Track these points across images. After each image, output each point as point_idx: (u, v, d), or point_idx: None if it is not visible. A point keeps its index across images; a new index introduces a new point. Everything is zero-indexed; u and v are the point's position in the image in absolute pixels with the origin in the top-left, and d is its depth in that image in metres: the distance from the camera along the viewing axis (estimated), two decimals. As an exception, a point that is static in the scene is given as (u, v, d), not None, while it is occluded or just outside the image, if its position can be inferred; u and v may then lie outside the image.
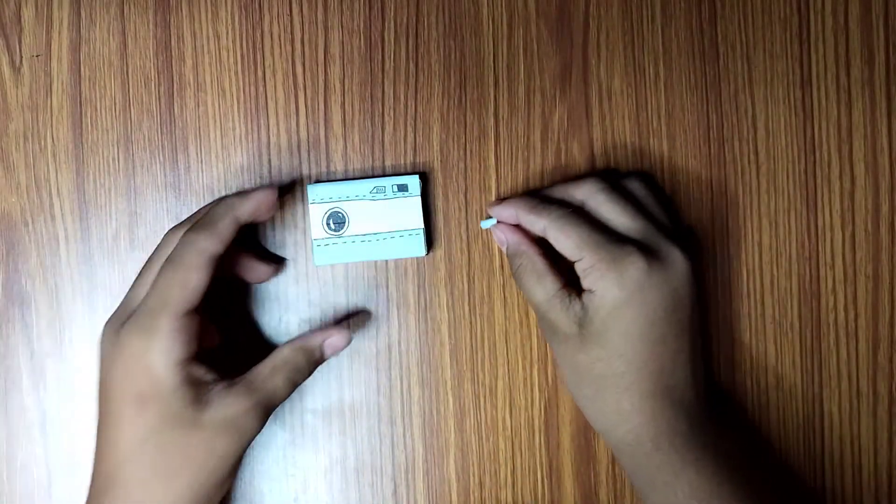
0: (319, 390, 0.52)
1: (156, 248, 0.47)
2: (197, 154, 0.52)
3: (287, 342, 0.47)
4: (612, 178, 0.49)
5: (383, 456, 0.52)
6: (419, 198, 0.50)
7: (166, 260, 0.44)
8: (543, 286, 0.47)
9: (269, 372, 0.45)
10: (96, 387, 0.45)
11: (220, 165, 0.52)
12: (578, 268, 0.46)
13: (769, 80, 0.52)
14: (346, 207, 0.49)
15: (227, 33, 0.52)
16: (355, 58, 0.52)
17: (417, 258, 0.52)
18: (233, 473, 0.44)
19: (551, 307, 0.47)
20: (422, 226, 0.50)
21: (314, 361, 0.47)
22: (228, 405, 0.43)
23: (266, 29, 0.52)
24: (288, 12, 0.52)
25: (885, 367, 0.52)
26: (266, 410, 0.44)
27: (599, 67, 0.52)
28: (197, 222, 0.45)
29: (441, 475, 0.52)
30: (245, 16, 0.52)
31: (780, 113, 0.52)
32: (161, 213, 0.52)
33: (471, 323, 0.52)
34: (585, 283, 0.46)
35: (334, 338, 0.47)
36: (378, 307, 0.52)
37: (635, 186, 0.49)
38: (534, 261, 0.48)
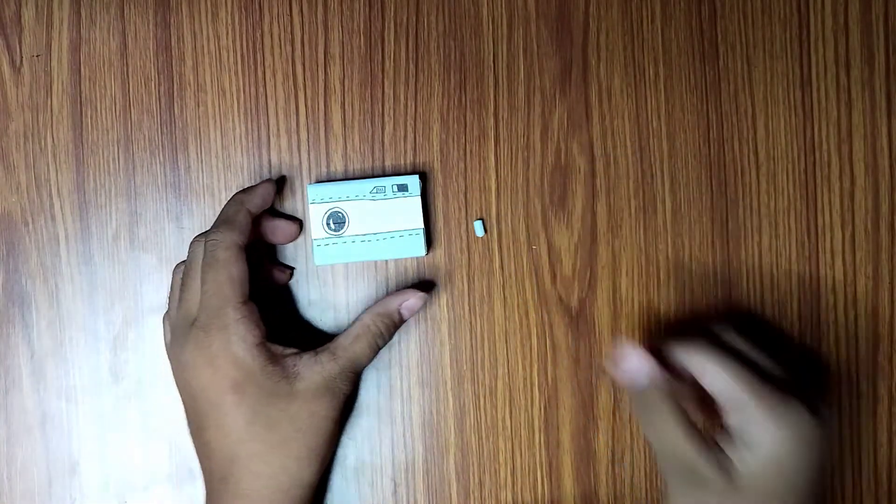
0: (319, 390, 0.52)
1: (188, 260, 0.48)
2: (197, 154, 0.52)
3: (367, 310, 0.49)
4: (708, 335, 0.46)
5: (383, 456, 0.52)
6: (419, 198, 0.50)
7: (203, 264, 0.46)
8: (688, 430, 0.43)
9: (351, 340, 0.48)
10: (185, 394, 0.47)
11: (220, 165, 0.52)
12: (729, 407, 0.43)
13: (769, 80, 0.52)
14: (346, 207, 0.49)
15: (227, 33, 0.52)
16: (355, 58, 0.52)
17: (417, 258, 0.52)
18: (337, 431, 0.48)
19: (697, 455, 0.43)
20: (422, 226, 0.50)
21: (394, 325, 0.49)
22: (317, 372, 0.46)
23: (266, 29, 0.52)
24: (288, 12, 0.52)
25: (885, 367, 0.52)
26: (354, 374, 0.48)
27: (599, 67, 0.52)
28: (214, 224, 0.48)
29: (441, 475, 0.52)
30: (245, 16, 0.52)
31: (780, 113, 0.52)
32: (161, 213, 0.52)
33: (471, 323, 0.52)
34: (736, 424, 0.43)
35: (410, 300, 0.50)
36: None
37: (740, 341, 0.46)
38: (676, 397, 0.44)
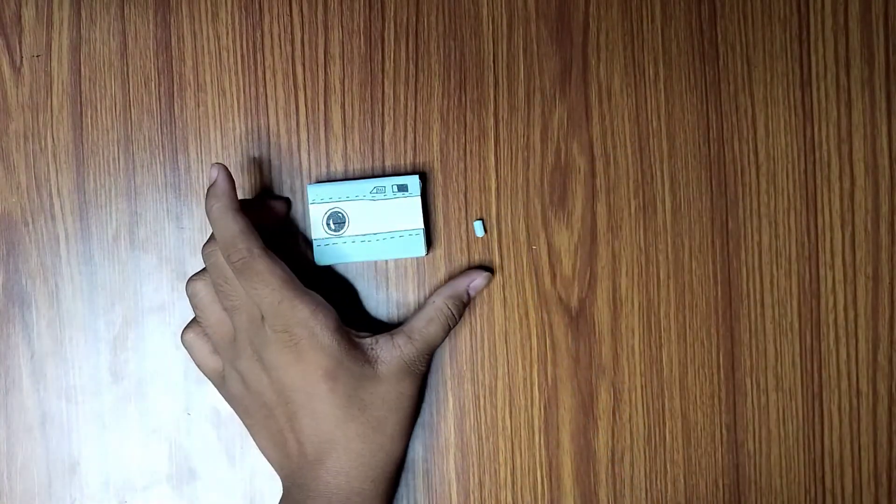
0: (319, 390, 0.52)
1: (211, 273, 0.47)
2: (197, 154, 0.52)
3: (436, 293, 0.50)
4: None
5: (383, 456, 0.52)
6: (419, 198, 0.50)
7: (238, 276, 0.45)
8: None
9: (425, 322, 0.49)
10: (269, 394, 0.47)
11: (220, 165, 0.52)
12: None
13: (769, 80, 0.52)
14: (346, 207, 0.49)
15: (227, 33, 0.52)
16: (355, 58, 0.52)
17: (417, 258, 0.52)
18: (419, 407, 0.51)
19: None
20: (422, 226, 0.50)
21: (463, 305, 0.51)
22: (397, 356, 0.48)
23: (266, 29, 0.52)
24: (288, 12, 0.52)
25: (885, 367, 0.52)
26: (430, 354, 0.50)
27: (599, 67, 0.52)
28: (234, 235, 0.46)
29: (441, 475, 0.52)
30: (245, 16, 0.52)
31: (780, 113, 0.52)
32: (161, 213, 0.52)
33: (471, 323, 0.52)
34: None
35: (477, 280, 0.51)
36: (378, 307, 0.52)
37: None
38: None
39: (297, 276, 0.47)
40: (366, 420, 0.47)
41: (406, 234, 0.50)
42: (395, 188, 0.49)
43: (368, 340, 0.48)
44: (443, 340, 0.50)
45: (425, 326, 0.49)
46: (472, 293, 0.51)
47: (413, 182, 0.50)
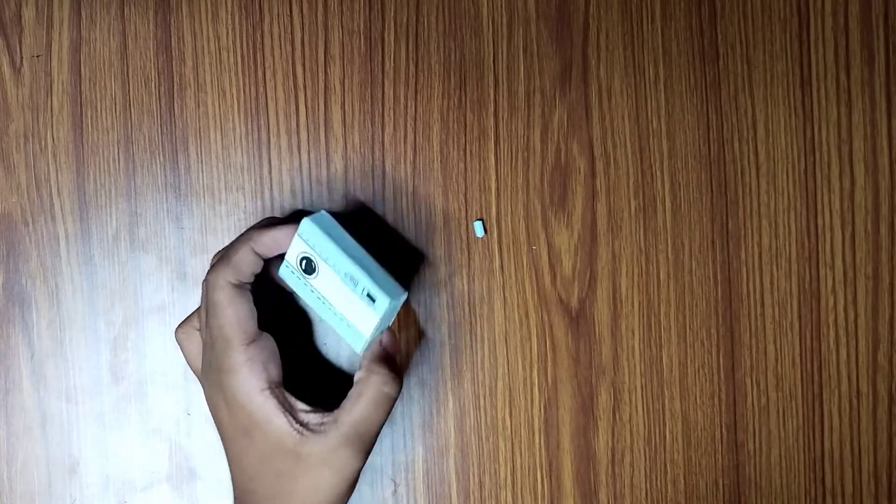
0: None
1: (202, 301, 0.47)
2: (197, 154, 0.52)
3: (358, 369, 0.46)
4: None
5: (383, 456, 0.52)
6: (378, 318, 0.45)
7: (206, 306, 0.45)
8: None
9: (353, 401, 0.45)
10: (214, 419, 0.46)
11: (220, 165, 0.52)
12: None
13: (769, 80, 0.52)
14: (321, 264, 0.45)
15: (228, 34, 0.52)
16: (355, 58, 0.52)
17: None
18: (346, 496, 0.45)
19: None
20: (367, 336, 0.46)
21: (387, 361, 0.46)
22: (319, 442, 0.43)
23: (266, 29, 0.52)
24: (288, 13, 0.52)
25: (885, 367, 0.52)
26: (361, 444, 0.44)
27: (599, 67, 0.52)
28: (219, 256, 0.46)
29: (441, 475, 0.52)
30: (245, 16, 0.52)
31: (780, 113, 0.52)
32: (161, 214, 0.52)
33: (471, 323, 0.52)
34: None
35: (384, 336, 0.48)
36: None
37: None
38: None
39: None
40: (274, 487, 0.44)
41: (354, 327, 0.46)
42: (366, 293, 0.45)
43: (301, 414, 0.44)
44: (381, 421, 0.45)
45: (353, 405, 0.44)
46: (391, 350, 0.47)
47: (381, 299, 0.44)
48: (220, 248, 0.49)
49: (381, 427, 0.45)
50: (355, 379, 0.46)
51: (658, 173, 0.52)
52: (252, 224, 0.48)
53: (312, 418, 0.44)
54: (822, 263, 0.52)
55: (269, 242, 0.45)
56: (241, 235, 0.46)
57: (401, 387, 0.46)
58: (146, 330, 0.52)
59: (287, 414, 0.44)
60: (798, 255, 0.52)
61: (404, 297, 0.46)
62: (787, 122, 0.52)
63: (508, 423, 0.52)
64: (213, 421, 0.47)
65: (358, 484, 0.52)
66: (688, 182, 0.52)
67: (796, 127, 0.52)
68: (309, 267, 0.45)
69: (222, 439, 0.46)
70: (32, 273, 0.52)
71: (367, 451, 0.45)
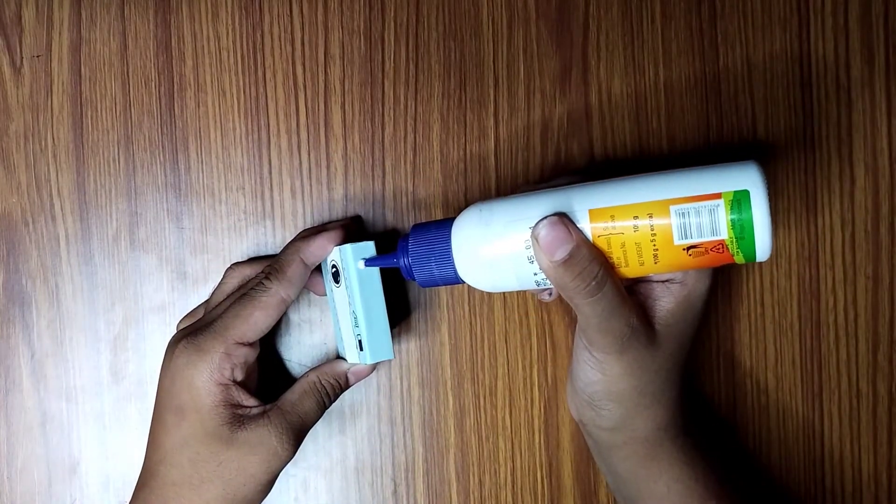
0: (319, 390, 0.52)
1: (218, 284, 0.49)
2: (197, 154, 0.52)
3: (314, 368, 0.48)
4: None
5: (383, 456, 0.52)
6: (360, 362, 0.48)
7: (243, 295, 0.46)
8: (626, 303, 0.43)
9: (297, 397, 0.47)
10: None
11: (220, 165, 0.52)
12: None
13: (769, 80, 0.52)
14: (343, 283, 0.47)
15: (228, 34, 0.52)
16: (355, 58, 0.52)
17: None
18: (262, 493, 0.46)
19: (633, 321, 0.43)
20: (350, 362, 0.49)
21: (339, 387, 0.48)
22: (261, 425, 0.45)
23: (266, 29, 0.52)
24: (288, 13, 0.52)
25: (884, 367, 0.52)
26: (296, 434, 0.46)
27: (599, 67, 0.52)
28: (271, 267, 0.47)
29: (441, 475, 0.52)
30: (245, 16, 0.52)
31: (780, 113, 0.52)
32: (161, 213, 0.52)
33: (471, 323, 0.52)
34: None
35: (359, 367, 0.48)
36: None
37: None
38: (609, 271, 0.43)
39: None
40: (187, 474, 0.44)
41: (343, 347, 0.49)
42: (359, 338, 0.47)
43: (248, 408, 0.45)
44: (315, 419, 0.47)
45: (299, 399, 0.46)
46: (351, 380, 0.48)
47: (365, 355, 0.47)
48: (238, 261, 0.51)
49: (311, 427, 0.47)
50: (307, 374, 0.48)
51: (658, 173, 0.52)
52: (294, 236, 0.50)
53: (255, 409, 0.45)
54: (822, 263, 0.52)
55: (317, 252, 0.47)
56: (289, 248, 0.47)
57: (328, 408, 0.48)
58: (146, 330, 0.52)
59: (231, 406, 0.45)
60: (798, 255, 0.52)
61: (388, 359, 0.47)
62: (788, 122, 0.52)
63: (508, 423, 0.52)
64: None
65: (358, 484, 0.52)
66: (688, 182, 0.52)
67: (796, 126, 0.52)
68: (336, 277, 0.48)
69: (154, 411, 0.46)
70: (32, 273, 0.52)
71: (298, 446, 0.46)
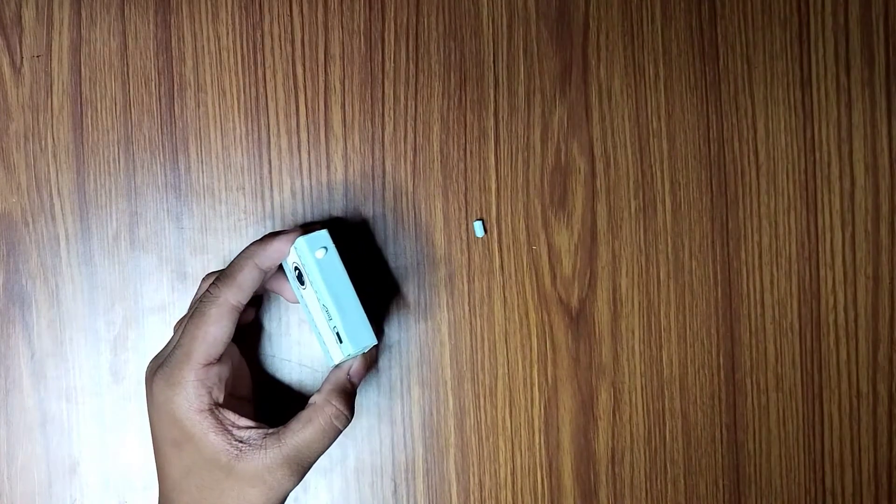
0: (319, 390, 0.52)
1: (195, 294, 0.49)
2: (197, 154, 0.52)
3: (318, 390, 0.46)
4: None
5: (383, 456, 0.52)
6: (343, 356, 0.46)
7: (194, 311, 0.45)
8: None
9: (302, 424, 0.44)
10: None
11: (220, 165, 0.52)
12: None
13: (769, 80, 0.52)
14: (308, 282, 0.46)
15: (228, 34, 0.52)
16: (355, 58, 0.52)
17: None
18: None
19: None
20: (335, 362, 0.46)
21: (349, 395, 0.46)
22: (258, 458, 0.43)
23: (266, 29, 0.52)
24: (288, 13, 0.52)
25: (885, 368, 0.52)
26: (297, 466, 0.44)
27: (599, 67, 0.52)
28: (221, 273, 0.45)
29: (441, 475, 0.52)
30: (245, 16, 0.52)
31: (780, 113, 0.52)
32: (161, 213, 0.52)
33: (471, 323, 0.52)
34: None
35: (355, 365, 0.47)
36: (377, 307, 0.52)
37: None
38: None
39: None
40: (199, 498, 0.43)
41: (326, 348, 0.47)
42: (336, 331, 0.45)
43: (242, 431, 0.44)
44: (324, 447, 0.45)
45: (302, 428, 0.44)
46: (355, 380, 0.47)
47: (346, 346, 0.45)
48: (213, 270, 0.49)
49: (321, 455, 0.45)
50: (310, 401, 0.46)
51: (658, 173, 0.52)
52: (252, 240, 0.48)
53: (253, 434, 0.44)
54: (822, 263, 0.52)
55: (272, 255, 0.45)
56: (243, 253, 0.46)
57: (349, 422, 0.46)
58: (146, 330, 0.52)
59: (224, 432, 0.43)
60: (798, 255, 0.52)
61: (372, 344, 0.46)
62: (787, 122, 0.52)
63: (508, 423, 0.52)
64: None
65: (358, 484, 0.52)
66: (688, 182, 0.52)
67: (796, 127, 0.52)
68: (301, 278, 0.46)
69: (153, 443, 0.46)
70: (32, 273, 0.52)
71: (302, 476, 0.44)
